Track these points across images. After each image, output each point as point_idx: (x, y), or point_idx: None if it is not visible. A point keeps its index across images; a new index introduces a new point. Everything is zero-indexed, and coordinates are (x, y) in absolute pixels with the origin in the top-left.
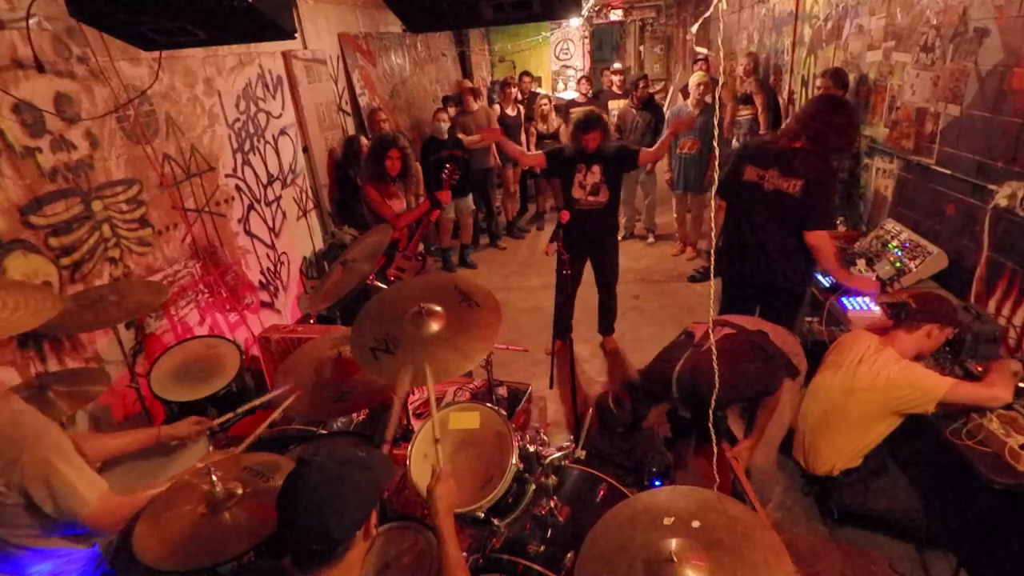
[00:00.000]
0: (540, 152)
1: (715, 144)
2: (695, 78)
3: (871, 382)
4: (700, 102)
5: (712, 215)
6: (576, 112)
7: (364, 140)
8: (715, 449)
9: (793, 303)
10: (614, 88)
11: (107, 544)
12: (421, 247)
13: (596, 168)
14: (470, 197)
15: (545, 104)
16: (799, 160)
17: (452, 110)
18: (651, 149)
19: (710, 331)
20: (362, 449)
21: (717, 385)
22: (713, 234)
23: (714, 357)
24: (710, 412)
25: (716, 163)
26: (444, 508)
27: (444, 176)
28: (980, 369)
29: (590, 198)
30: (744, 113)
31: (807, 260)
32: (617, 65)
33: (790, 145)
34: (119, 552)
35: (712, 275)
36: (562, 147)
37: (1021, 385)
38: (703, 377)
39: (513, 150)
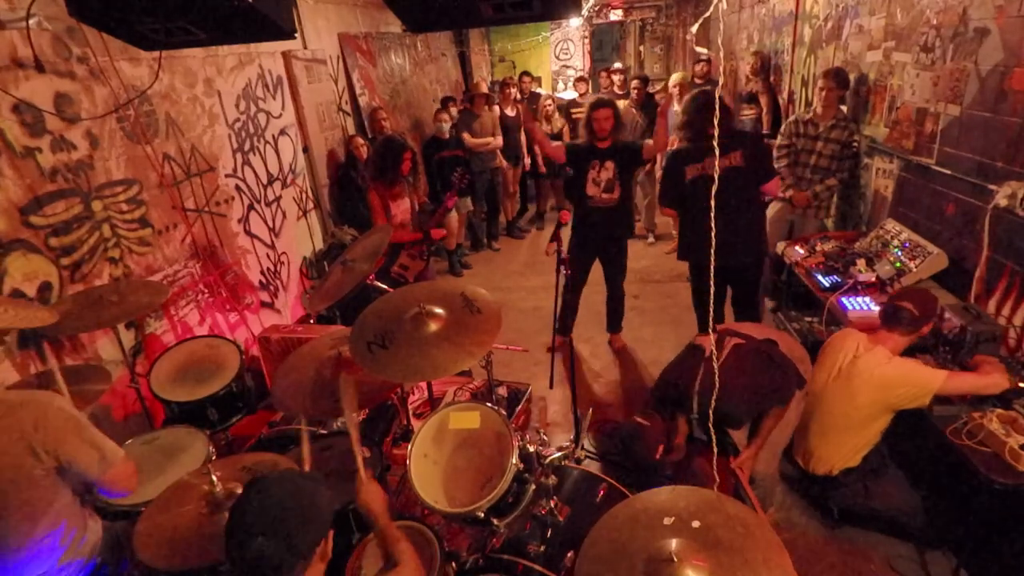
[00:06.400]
0: (560, 143)
1: (714, 144)
2: (673, 78)
3: (865, 382)
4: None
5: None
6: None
7: (360, 140)
8: (715, 449)
9: (757, 275)
10: (615, 88)
11: (92, 547)
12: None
13: (609, 164)
14: (468, 199)
15: (549, 104)
16: (729, 141)
17: (452, 110)
18: (650, 141)
19: (711, 341)
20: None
21: (747, 394)
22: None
23: (715, 366)
24: (710, 413)
25: (716, 162)
26: (379, 509)
27: (454, 180)
28: (970, 364)
29: (604, 195)
30: (747, 113)
31: (761, 231)
32: (617, 65)
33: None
34: (113, 549)
35: (709, 270)
36: (577, 143)
37: (1022, 385)
38: (725, 394)
39: (540, 136)
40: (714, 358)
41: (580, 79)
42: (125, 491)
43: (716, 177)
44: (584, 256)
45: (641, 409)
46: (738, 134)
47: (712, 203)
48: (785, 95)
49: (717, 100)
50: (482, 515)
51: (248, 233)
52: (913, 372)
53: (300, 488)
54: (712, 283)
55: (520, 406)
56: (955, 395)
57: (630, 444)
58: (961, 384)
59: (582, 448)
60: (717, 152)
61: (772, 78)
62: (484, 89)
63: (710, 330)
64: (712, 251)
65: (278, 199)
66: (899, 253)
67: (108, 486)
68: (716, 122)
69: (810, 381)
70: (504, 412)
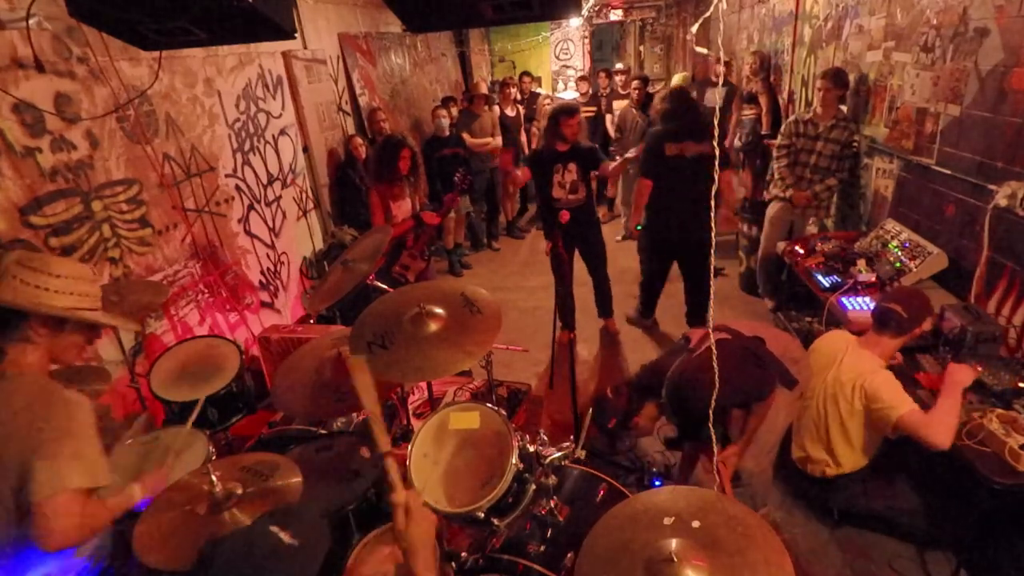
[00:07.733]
0: (523, 167)
1: (714, 144)
2: (675, 79)
3: (851, 389)
4: None
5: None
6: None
7: (359, 140)
8: (714, 450)
9: (708, 250)
10: (618, 89)
11: (97, 548)
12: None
13: (572, 166)
14: (467, 198)
15: (548, 103)
16: (701, 132)
17: (452, 109)
18: (612, 165)
19: (711, 334)
20: (302, 524)
21: (717, 387)
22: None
23: (715, 362)
24: (710, 413)
25: (717, 163)
26: (423, 546)
27: (456, 180)
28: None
29: (570, 196)
30: (748, 113)
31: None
32: (619, 66)
33: (692, 124)
34: (116, 549)
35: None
36: (538, 150)
37: (1021, 385)
38: (691, 384)
39: (513, 178)
40: (712, 351)
41: (581, 79)
42: (49, 542)
43: (715, 177)
44: (565, 250)
45: (616, 384)
46: (707, 126)
47: (711, 196)
48: (785, 95)
49: (722, 97)
50: (482, 515)
51: (248, 233)
52: (891, 392)
53: (269, 555)
54: (712, 270)
55: (520, 406)
56: (907, 432)
57: (595, 408)
58: (916, 426)
59: (582, 448)
60: (718, 152)
61: (772, 78)
62: (484, 89)
63: (709, 327)
64: (697, 234)
65: (278, 199)
66: (899, 253)
67: (36, 520)
68: (717, 127)
69: (804, 382)
70: (504, 412)
